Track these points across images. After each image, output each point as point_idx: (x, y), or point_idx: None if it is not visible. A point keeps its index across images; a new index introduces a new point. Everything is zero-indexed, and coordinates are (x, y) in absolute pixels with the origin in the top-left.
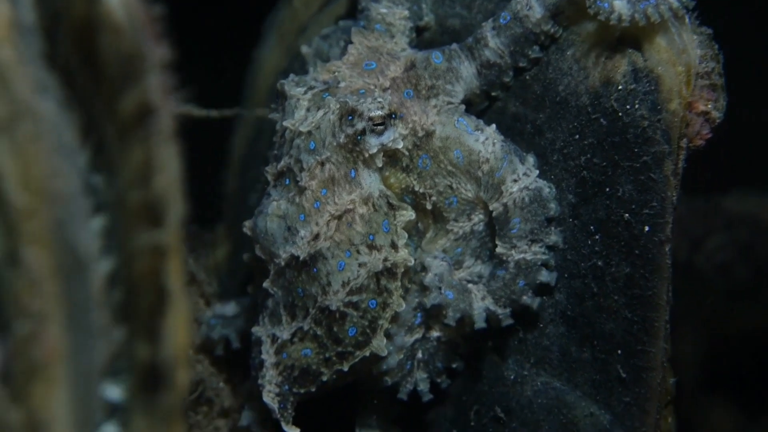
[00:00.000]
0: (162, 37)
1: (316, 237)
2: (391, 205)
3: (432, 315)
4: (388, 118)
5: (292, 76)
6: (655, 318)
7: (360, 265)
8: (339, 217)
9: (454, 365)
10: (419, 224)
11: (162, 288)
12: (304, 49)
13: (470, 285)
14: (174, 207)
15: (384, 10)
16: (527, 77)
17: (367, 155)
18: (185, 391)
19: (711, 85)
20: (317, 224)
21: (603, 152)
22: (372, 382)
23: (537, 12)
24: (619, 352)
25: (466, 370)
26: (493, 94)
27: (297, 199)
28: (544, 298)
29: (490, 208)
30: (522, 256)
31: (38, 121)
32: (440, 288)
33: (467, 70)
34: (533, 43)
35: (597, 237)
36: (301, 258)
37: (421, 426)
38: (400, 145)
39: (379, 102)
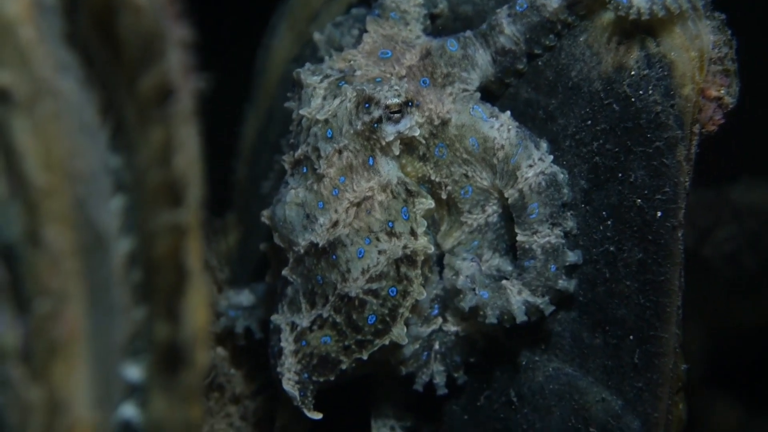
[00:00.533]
0: (182, 17)
1: (336, 224)
2: (409, 192)
3: (469, 316)
4: (405, 106)
5: (308, 64)
6: (667, 303)
7: (380, 252)
8: (358, 204)
9: (472, 359)
10: (435, 214)
11: (181, 267)
12: (317, 36)
13: (504, 281)
14: (193, 187)
15: None
16: (540, 63)
17: (384, 143)
18: (204, 370)
19: (724, 70)
20: (336, 211)
21: (615, 138)
22: (388, 372)
23: (554, 2)
24: (631, 337)
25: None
26: (507, 81)
27: (315, 187)
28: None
29: (506, 194)
30: (546, 239)
31: (59, 100)
32: (474, 289)
33: (482, 57)
34: (549, 31)
35: (609, 222)
36: (320, 245)
37: (433, 412)
38: (417, 133)
39: (396, 90)
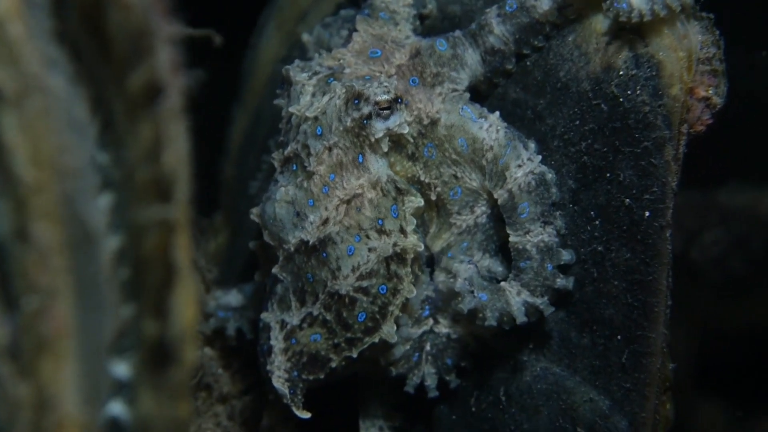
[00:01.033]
0: (170, 14)
1: (326, 221)
2: (399, 190)
3: (467, 319)
4: (394, 103)
5: (297, 61)
6: (655, 303)
7: (370, 249)
8: (348, 202)
9: (463, 363)
10: (425, 215)
11: (170, 264)
12: (305, 37)
13: (502, 283)
14: (182, 183)
15: None
16: (528, 63)
17: (373, 139)
18: (193, 367)
19: (712, 70)
20: (326, 209)
21: (604, 138)
22: (378, 372)
23: (545, 4)
24: (619, 337)
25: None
26: (496, 80)
27: (305, 184)
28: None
29: (495, 195)
30: (539, 238)
31: (48, 96)
32: (473, 292)
33: (472, 57)
34: (538, 32)
35: (597, 222)
36: (310, 243)
37: (422, 412)
38: (406, 130)
39: (385, 86)
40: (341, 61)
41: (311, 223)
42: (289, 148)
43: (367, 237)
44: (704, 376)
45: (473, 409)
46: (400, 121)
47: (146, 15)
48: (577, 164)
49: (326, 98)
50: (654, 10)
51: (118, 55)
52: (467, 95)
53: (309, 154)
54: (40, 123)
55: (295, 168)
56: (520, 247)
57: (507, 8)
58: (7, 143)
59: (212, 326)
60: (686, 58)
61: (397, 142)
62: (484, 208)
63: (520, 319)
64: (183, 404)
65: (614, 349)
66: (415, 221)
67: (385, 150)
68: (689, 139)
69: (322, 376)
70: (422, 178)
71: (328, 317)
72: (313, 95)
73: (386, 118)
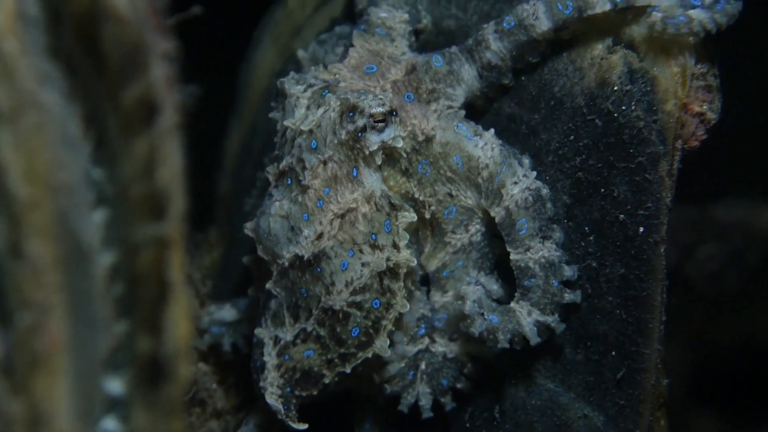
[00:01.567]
0: (166, 29)
1: (320, 236)
2: (392, 206)
3: (464, 338)
4: (389, 115)
5: (291, 73)
6: (649, 319)
7: (363, 264)
8: (342, 216)
9: (459, 385)
10: (419, 234)
11: (164, 280)
12: (300, 53)
13: (512, 303)
14: (176, 200)
15: (384, 14)
16: (523, 78)
17: (367, 152)
18: (186, 384)
19: (706, 86)
20: (321, 223)
21: (598, 153)
22: (372, 390)
23: (543, 24)
24: (613, 353)
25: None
26: (492, 95)
27: (300, 199)
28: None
29: (492, 213)
30: (540, 254)
31: (42, 112)
32: (483, 314)
33: (468, 72)
34: (535, 50)
35: (591, 238)
36: (305, 257)
37: (415, 429)
38: (400, 144)
39: (380, 99)
40: (337, 75)
41: (306, 238)
42: (284, 162)
43: (361, 252)
44: (699, 389)
45: (467, 425)
46: (394, 134)
47: (141, 30)
48: (572, 179)
49: (321, 111)
50: (718, 21)
51: (113, 70)
52: (462, 113)
53: (304, 168)
54: (34, 139)
55: (290, 182)
56: (522, 265)
57: (505, 25)
58: (1, 159)
59: (207, 342)
60: (681, 73)
61: (390, 155)
62: (478, 227)
63: (534, 340)
64: (176, 420)
65: (608, 365)
66: (407, 236)
67: (379, 163)
68: (684, 154)
69: (315, 393)
70: (416, 196)
71: (322, 333)
72: (308, 108)
73: (381, 130)
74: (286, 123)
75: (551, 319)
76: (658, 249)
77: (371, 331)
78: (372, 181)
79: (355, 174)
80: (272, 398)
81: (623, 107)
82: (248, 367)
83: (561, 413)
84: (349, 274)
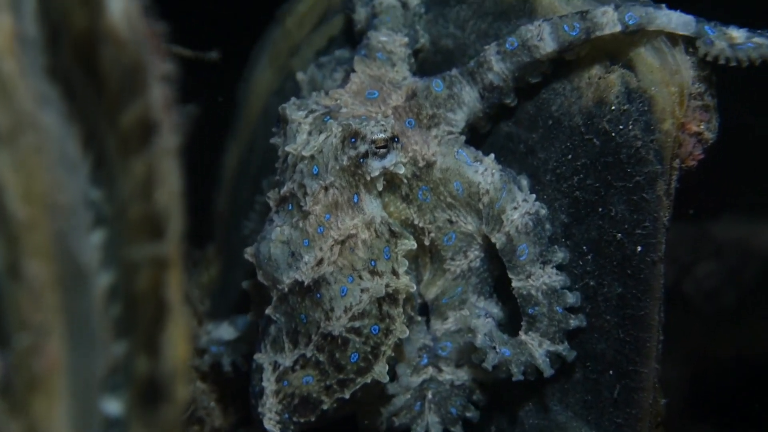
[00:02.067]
0: (164, 51)
1: (320, 262)
2: (392, 233)
3: (470, 363)
4: (391, 142)
5: (293, 99)
6: (647, 338)
7: (362, 290)
8: (342, 242)
9: (468, 414)
10: (419, 261)
11: (162, 301)
12: (299, 76)
13: (522, 336)
14: (174, 220)
15: (384, 38)
16: (520, 97)
17: (368, 178)
18: (184, 405)
19: (704, 105)
20: (321, 249)
21: (596, 172)
22: (379, 423)
23: (548, 46)
24: (611, 372)
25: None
26: (494, 115)
27: (300, 224)
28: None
29: (493, 239)
30: (541, 281)
31: (40, 133)
32: (495, 347)
33: (469, 94)
34: (537, 71)
35: (589, 257)
36: (305, 283)
37: None
38: (402, 171)
39: (382, 125)
40: (338, 100)
41: (306, 264)
42: (285, 188)
43: (360, 278)
44: (697, 405)
45: None
46: (396, 161)
47: (140, 51)
48: (570, 199)
49: (323, 137)
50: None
51: (112, 91)
52: (463, 138)
53: (305, 194)
54: (32, 160)
55: (290, 207)
56: (525, 292)
57: (507, 46)
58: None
59: (208, 362)
60: (678, 93)
61: (391, 182)
62: (477, 252)
63: (548, 372)
64: None
65: (606, 384)
66: (407, 263)
67: (380, 189)
68: (681, 173)
69: (313, 419)
70: (416, 222)
71: (321, 358)
72: (310, 134)
73: (382, 156)
74: (287, 148)
75: (561, 348)
76: (656, 268)
77: (370, 356)
78: (372, 207)
79: (355, 200)
80: (270, 424)
81: (621, 127)
82: (246, 385)
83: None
84: (348, 300)
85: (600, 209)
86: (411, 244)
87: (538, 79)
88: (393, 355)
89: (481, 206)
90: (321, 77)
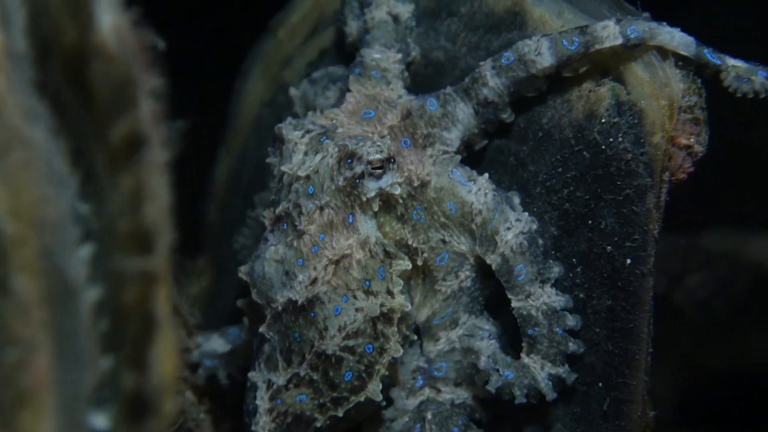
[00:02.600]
0: (153, 66)
1: (314, 281)
2: (387, 253)
3: (468, 381)
4: (387, 162)
5: (289, 118)
6: (636, 351)
7: (357, 309)
8: (337, 262)
9: None
10: (411, 282)
11: (150, 316)
12: (292, 91)
13: (524, 358)
14: (163, 235)
15: (378, 56)
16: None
17: (364, 199)
18: (171, 419)
19: (694, 119)
20: (315, 269)
21: (586, 185)
22: None
23: (546, 60)
24: (600, 384)
25: None
26: (491, 131)
27: (295, 244)
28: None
29: (488, 261)
30: (541, 301)
31: (29, 148)
32: (498, 370)
33: (463, 111)
34: (533, 86)
35: (579, 269)
36: (299, 302)
37: None
38: (398, 191)
39: (378, 146)
40: (334, 120)
41: (300, 283)
42: (280, 207)
43: (354, 297)
44: (688, 417)
45: None
46: (392, 181)
47: (129, 66)
48: (560, 211)
49: (319, 157)
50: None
51: (101, 106)
52: (458, 158)
53: (300, 213)
54: (21, 175)
55: (285, 227)
56: (525, 313)
57: (503, 61)
58: None
59: (203, 376)
60: (668, 106)
61: (387, 202)
62: (468, 272)
63: (551, 395)
64: None
65: (595, 396)
66: (401, 282)
67: (376, 210)
68: (671, 186)
69: None
70: (410, 242)
71: (315, 377)
72: (306, 154)
73: (379, 177)
74: (283, 168)
75: (562, 371)
76: (645, 281)
77: (364, 375)
78: (367, 228)
79: (350, 220)
80: None
81: (611, 139)
82: (236, 397)
83: None
84: (343, 319)
85: (590, 222)
86: (406, 264)
87: (534, 94)
88: (387, 374)
89: (474, 227)
90: (313, 94)
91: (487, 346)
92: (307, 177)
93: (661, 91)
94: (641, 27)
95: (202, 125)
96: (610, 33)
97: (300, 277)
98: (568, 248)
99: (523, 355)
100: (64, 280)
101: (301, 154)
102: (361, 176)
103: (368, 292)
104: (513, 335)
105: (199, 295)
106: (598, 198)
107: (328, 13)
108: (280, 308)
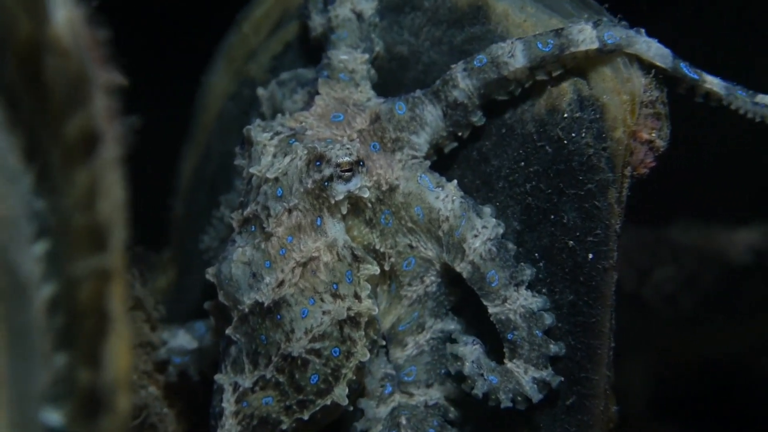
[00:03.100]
0: (108, 61)
1: (281, 284)
2: (355, 257)
3: (439, 381)
4: (356, 165)
5: (258, 120)
6: (598, 345)
7: (324, 312)
8: (304, 265)
9: None
10: (378, 288)
11: (104, 312)
12: (260, 91)
13: (507, 363)
14: (118, 231)
15: (345, 57)
16: None
17: (333, 201)
18: (126, 416)
19: (655, 113)
20: (282, 271)
21: (548, 180)
22: None
23: (519, 62)
24: (562, 379)
25: None
26: (460, 134)
27: (263, 246)
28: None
29: (458, 269)
30: (518, 304)
31: None
32: (482, 374)
33: (431, 113)
34: (503, 89)
35: (541, 264)
36: (265, 305)
37: None
38: (366, 194)
39: (347, 149)
40: (303, 123)
41: (267, 285)
42: (248, 209)
43: (322, 300)
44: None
45: None
46: (360, 184)
47: (84, 62)
48: (522, 206)
49: (287, 159)
50: None
51: (55, 102)
52: (427, 163)
53: (268, 216)
54: None
55: (253, 229)
56: (503, 317)
57: (475, 63)
58: None
59: (174, 373)
60: (630, 101)
61: (355, 205)
62: (433, 278)
63: (536, 398)
64: None
65: (558, 391)
66: (369, 287)
67: (344, 213)
68: (633, 181)
69: None
70: (378, 247)
71: (281, 379)
72: (275, 156)
73: (347, 180)
74: (252, 170)
75: (546, 373)
76: (608, 275)
77: (330, 378)
78: (335, 231)
79: (319, 223)
80: None
81: (573, 134)
82: (207, 392)
83: None
84: (309, 322)
85: (552, 216)
86: (374, 269)
87: (505, 97)
88: (354, 378)
89: (440, 233)
90: (281, 96)
91: (471, 351)
92: (276, 179)
93: (622, 86)
94: (618, 34)
95: (171, 119)
96: (586, 37)
97: (267, 279)
98: (530, 243)
99: (506, 360)
100: (16, 277)
101: (269, 156)
102: (330, 179)
103: (335, 296)
104: (492, 343)
105: (165, 289)
106: (561, 193)
107: (293, 6)
108: (246, 310)
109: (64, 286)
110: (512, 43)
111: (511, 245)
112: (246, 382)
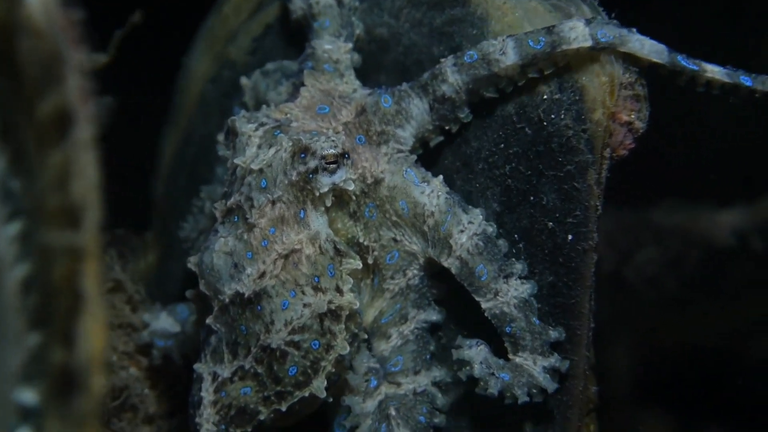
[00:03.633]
0: (82, 42)
1: (263, 275)
2: (338, 251)
3: (426, 368)
4: (341, 158)
5: (243, 111)
6: (577, 326)
7: (304, 305)
8: (286, 257)
9: (436, 420)
10: (361, 284)
11: (78, 292)
12: (243, 81)
13: (513, 358)
14: (92, 211)
15: (329, 47)
16: None
17: (317, 194)
18: (100, 396)
19: (634, 95)
20: (264, 262)
21: (528, 161)
22: None
23: (510, 59)
24: (570, 362)
25: None
26: (447, 128)
27: (245, 237)
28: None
29: (446, 265)
30: (511, 295)
31: None
32: (494, 374)
33: (417, 107)
34: (493, 85)
35: (521, 245)
36: (246, 295)
37: None
38: (351, 187)
39: (333, 141)
40: (288, 114)
41: (248, 276)
42: (232, 199)
43: (303, 293)
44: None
45: None
46: (345, 177)
47: (57, 42)
48: (502, 187)
49: (272, 151)
50: None
51: (29, 82)
52: (413, 158)
53: (252, 207)
54: None
55: (236, 219)
56: (498, 311)
57: (466, 59)
58: None
59: (158, 357)
60: (609, 83)
61: (339, 198)
62: (416, 271)
63: (551, 387)
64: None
65: None
66: (351, 281)
67: (328, 205)
68: (613, 162)
69: (249, 430)
70: (361, 240)
71: (260, 370)
72: (259, 147)
73: (332, 172)
74: (236, 161)
75: (554, 360)
76: (587, 257)
77: (309, 371)
78: (318, 224)
79: (302, 216)
80: None
81: (552, 116)
82: (183, 374)
83: (493, 420)
84: (289, 314)
85: (531, 198)
86: (356, 263)
87: (494, 94)
88: (334, 371)
89: (426, 228)
90: (265, 86)
91: (477, 353)
92: (260, 170)
93: (602, 68)
94: (612, 32)
95: (152, 101)
96: (578, 34)
97: (248, 270)
98: (510, 224)
99: (510, 355)
100: None
101: (254, 148)
102: (315, 171)
103: (317, 289)
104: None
105: (146, 271)
106: (540, 174)
107: None
108: (227, 300)
109: (38, 266)
110: (503, 40)
111: (501, 242)
112: (225, 371)
